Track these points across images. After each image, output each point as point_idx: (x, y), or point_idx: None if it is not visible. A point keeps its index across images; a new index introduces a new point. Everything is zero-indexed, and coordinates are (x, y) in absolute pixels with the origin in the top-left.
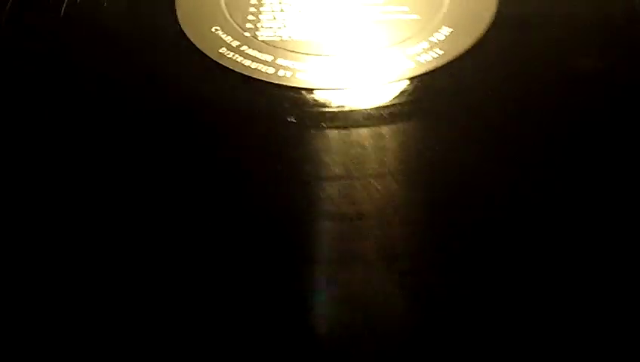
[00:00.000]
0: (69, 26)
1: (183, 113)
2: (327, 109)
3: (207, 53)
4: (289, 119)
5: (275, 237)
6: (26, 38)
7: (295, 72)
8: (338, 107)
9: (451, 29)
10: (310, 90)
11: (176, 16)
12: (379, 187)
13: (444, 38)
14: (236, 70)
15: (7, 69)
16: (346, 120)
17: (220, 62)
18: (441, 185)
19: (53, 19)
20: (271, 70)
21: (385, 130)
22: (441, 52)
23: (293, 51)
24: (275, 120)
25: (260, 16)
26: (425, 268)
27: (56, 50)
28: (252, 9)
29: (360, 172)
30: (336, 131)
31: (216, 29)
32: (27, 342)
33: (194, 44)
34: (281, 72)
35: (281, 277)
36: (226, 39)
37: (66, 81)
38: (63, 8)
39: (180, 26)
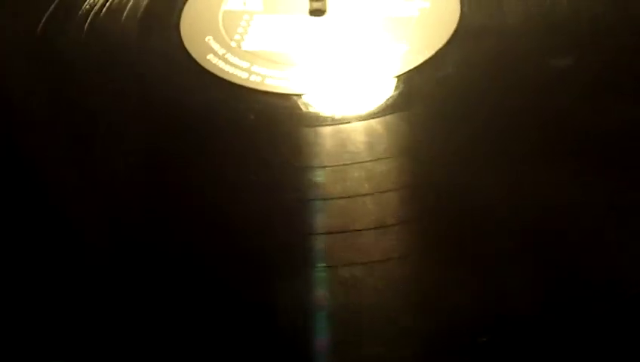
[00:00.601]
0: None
1: (161, 106)
2: (286, 111)
3: (196, 58)
4: (250, 116)
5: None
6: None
7: (265, 78)
8: (299, 109)
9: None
10: (277, 95)
11: (179, 26)
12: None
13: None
14: (216, 74)
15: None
16: (306, 119)
17: (205, 67)
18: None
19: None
20: (245, 75)
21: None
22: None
23: (269, 60)
24: (237, 118)
25: (248, 29)
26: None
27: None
28: (243, 23)
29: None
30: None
31: (209, 38)
32: None
33: (187, 50)
34: (252, 77)
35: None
36: (214, 47)
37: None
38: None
39: (180, 33)
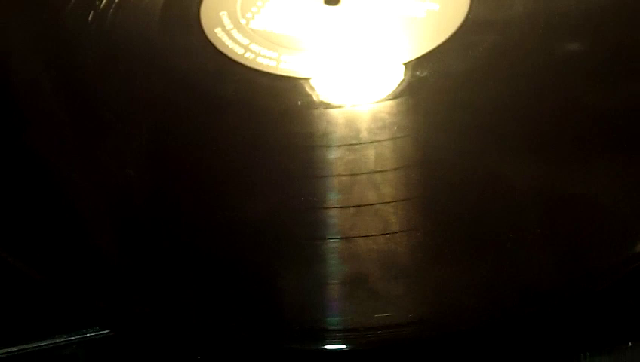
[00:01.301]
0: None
1: (161, 67)
2: (264, 89)
3: (205, 31)
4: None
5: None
6: None
7: (257, 57)
8: (278, 91)
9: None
10: (264, 73)
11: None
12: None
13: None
14: (216, 46)
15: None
16: (281, 99)
17: (209, 38)
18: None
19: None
20: (241, 51)
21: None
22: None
23: (268, 40)
24: (215, 88)
25: (261, 10)
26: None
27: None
28: (259, 3)
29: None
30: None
31: (223, 13)
32: None
33: (200, 22)
34: (247, 54)
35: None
36: (225, 22)
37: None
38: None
39: (200, 5)
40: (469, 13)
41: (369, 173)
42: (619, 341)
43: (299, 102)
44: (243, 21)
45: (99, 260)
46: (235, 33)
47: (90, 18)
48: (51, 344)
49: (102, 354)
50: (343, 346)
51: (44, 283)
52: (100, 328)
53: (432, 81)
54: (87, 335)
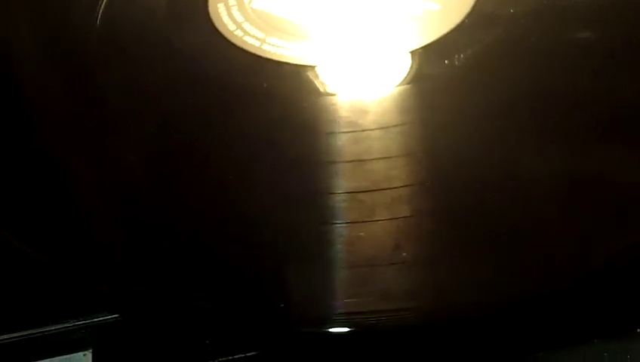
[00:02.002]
0: None
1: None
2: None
3: (209, 5)
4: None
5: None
6: None
7: (245, 35)
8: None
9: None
10: (248, 53)
11: None
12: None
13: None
14: (214, 21)
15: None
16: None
17: (209, 13)
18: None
19: None
20: (233, 28)
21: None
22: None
23: (261, 19)
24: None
25: None
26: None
27: None
28: None
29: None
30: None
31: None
32: None
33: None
34: (237, 32)
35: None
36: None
37: None
38: None
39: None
40: (476, 3)
41: (376, 159)
42: (629, 326)
43: (302, 90)
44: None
45: (107, 246)
46: (234, 10)
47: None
48: (60, 328)
49: (110, 339)
50: (347, 329)
51: (53, 269)
52: (108, 313)
53: (438, 69)
54: (96, 320)
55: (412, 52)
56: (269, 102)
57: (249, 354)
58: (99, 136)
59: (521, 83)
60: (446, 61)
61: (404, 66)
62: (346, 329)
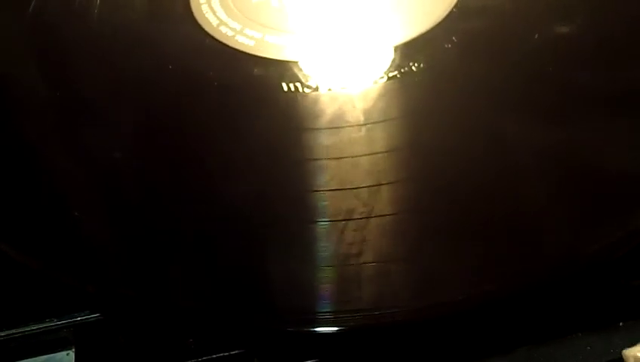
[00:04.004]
0: None
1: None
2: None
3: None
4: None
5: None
6: None
7: (221, 25)
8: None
9: None
10: (227, 46)
11: None
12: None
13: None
14: (194, 16)
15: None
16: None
17: (190, 6)
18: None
19: None
20: (216, 23)
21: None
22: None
23: (241, 12)
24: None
25: None
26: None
27: None
28: None
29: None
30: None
31: None
32: None
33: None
34: (222, 28)
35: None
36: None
37: None
38: None
39: None
40: None
41: (360, 156)
42: (612, 320)
43: (284, 84)
44: None
45: (88, 244)
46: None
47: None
48: (42, 328)
49: (92, 338)
50: (334, 328)
51: (34, 268)
52: (90, 312)
53: (422, 63)
54: (78, 319)
55: (396, 47)
56: (251, 96)
57: (233, 353)
58: (81, 131)
59: (506, 74)
60: (430, 55)
61: (387, 60)
62: (333, 329)
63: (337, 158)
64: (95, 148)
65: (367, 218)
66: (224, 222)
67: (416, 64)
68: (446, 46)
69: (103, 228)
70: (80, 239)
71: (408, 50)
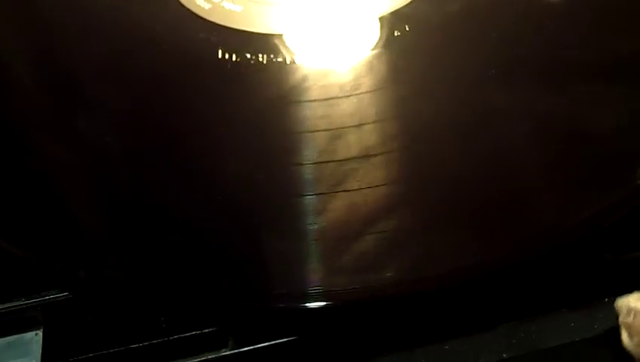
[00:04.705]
0: None
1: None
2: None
3: None
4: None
5: None
6: None
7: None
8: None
9: None
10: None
11: None
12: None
13: None
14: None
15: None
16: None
17: None
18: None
19: None
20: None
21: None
22: None
23: None
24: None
25: None
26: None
27: None
28: None
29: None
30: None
31: None
32: None
33: None
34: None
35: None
36: None
37: None
38: None
39: None
40: None
41: (348, 127)
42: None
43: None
44: None
45: (57, 222)
46: None
47: None
48: (9, 307)
49: (61, 318)
50: (324, 303)
51: (2, 247)
52: (59, 291)
53: (408, 33)
54: (47, 298)
55: (381, 17)
56: (237, 71)
57: (205, 331)
58: (72, 114)
59: (493, 42)
60: (416, 25)
61: (373, 32)
62: (321, 304)
63: (324, 130)
64: (87, 129)
65: (355, 190)
66: (210, 197)
67: (401, 33)
68: (432, 15)
69: (73, 207)
70: (49, 217)
71: (394, 21)
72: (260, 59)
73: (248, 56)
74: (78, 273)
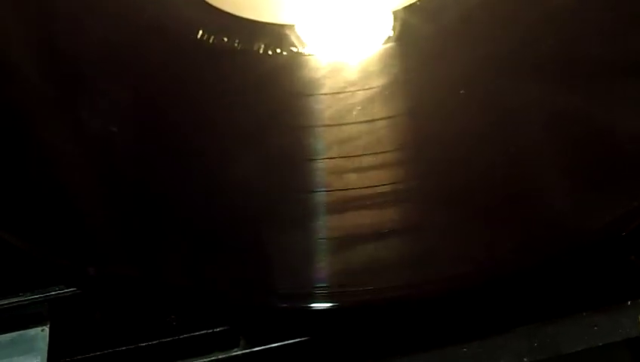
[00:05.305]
0: None
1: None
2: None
3: None
4: None
5: None
6: None
7: None
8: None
9: None
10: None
11: None
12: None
13: None
14: None
15: None
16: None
17: None
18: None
19: None
20: None
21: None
22: None
23: None
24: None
25: None
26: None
27: None
28: None
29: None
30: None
31: None
32: None
33: None
34: None
35: None
36: None
37: None
38: None
39: None
40: None
41: (359, 122)
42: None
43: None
44: None
45: (65, 219)
46: None
47: None
48: (15, 302)
49: (68, 314)
50: (330, 304)
51: (9, 241)
52: (66, 286)
53: (422, 28)
54: (52, 293)
55: (395, 11)
56: (246, 63)
57: (216, 330)
58: (78, 106)
59: (508, 38)
60: (429, 19)
61: (386, 25)
62: (328, 305)
63: (334, 125)
64: (92, 120)
65: (365, 187)
66: (217, 193)
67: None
68: (446, 9)
69: (80, 201)
70: (57, 214)
71: (408, 15)
72: (271, 50)
73: (258, 46)
74: (87, 270)
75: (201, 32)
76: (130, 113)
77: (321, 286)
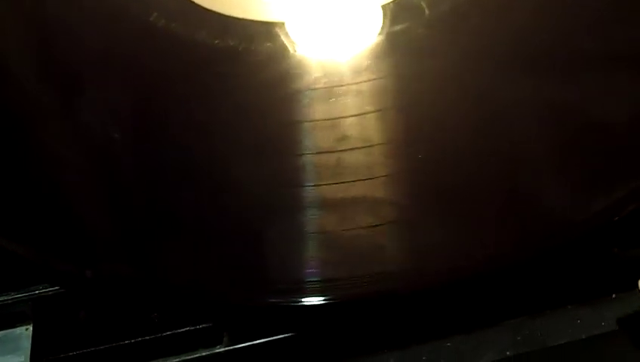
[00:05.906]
0: None
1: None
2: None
3: None
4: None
5: None
6: None
7: None
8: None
9: None
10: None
11: None
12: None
13: None
14: None
15: None
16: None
17: None
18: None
19: None
20: None
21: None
22: None
23: None
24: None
25: None
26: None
27: None
28: None
29: None
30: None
31: None
32: None
33: None
34: None
35: None
36: None
37: None
38: None
39: None
40: None
41: (350, 117)
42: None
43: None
44: None
45: (51, 218)
46: None
47: None
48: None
49: (52, 313)
50: (322, 299)
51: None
52: (50, 285)
53: (411, 23)
54: (37, 292)
55: (384, 6)
56: (237, 61)
57: (199, 327)
58: (73, 108)
59: (500, 33)
60: (418, 14)
61: (376, 21)
62: (319, 299)
63: (324, 120)
64: (91, 124)
65: (358, 180)
66: (209, 189)
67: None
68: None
69: (70, 202)
70: (43, 213)
71: (397, 10)
72: (261, 48)
73: (249, 45)
74: (84, 272)
75: (194, 33)
76: (128, 115)
77: (312, 281)
